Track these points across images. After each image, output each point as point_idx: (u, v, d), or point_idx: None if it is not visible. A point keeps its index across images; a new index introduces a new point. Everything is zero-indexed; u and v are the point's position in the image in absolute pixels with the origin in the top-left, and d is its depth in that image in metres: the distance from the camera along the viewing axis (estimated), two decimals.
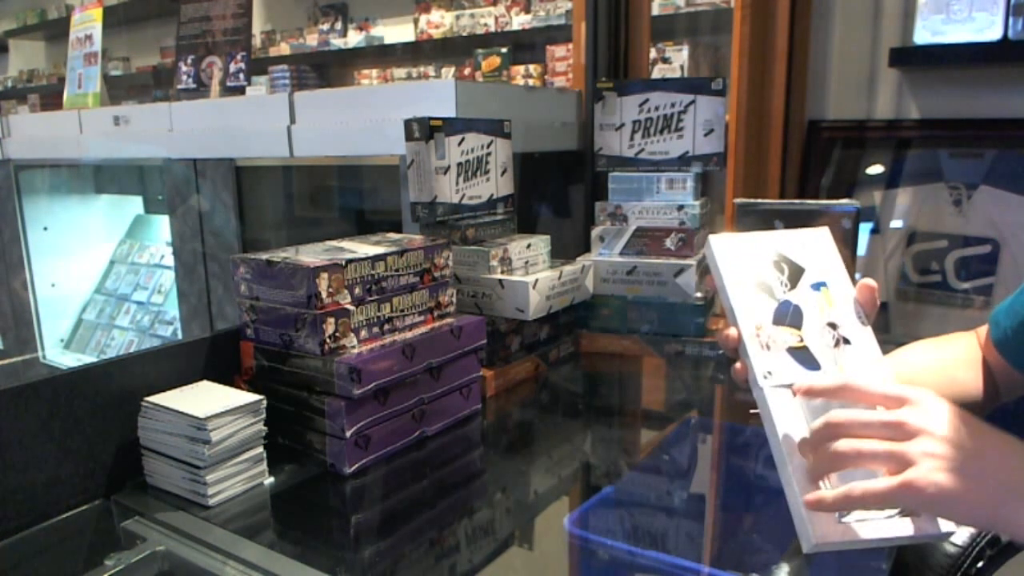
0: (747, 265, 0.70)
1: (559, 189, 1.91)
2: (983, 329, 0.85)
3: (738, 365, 0.69)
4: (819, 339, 0.67)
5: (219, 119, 1.91)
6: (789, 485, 0.60)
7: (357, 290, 0.97)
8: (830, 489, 0.58)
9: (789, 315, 0.68)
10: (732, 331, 0.68)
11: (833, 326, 0.68)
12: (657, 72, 2.64)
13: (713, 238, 0.71)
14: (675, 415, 1.24)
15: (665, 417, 1.24)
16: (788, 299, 0.69)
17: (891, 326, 1.74)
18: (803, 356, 0.66)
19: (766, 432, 0.64)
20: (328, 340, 0.93)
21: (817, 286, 0.71)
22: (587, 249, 1.50)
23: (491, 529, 0.85)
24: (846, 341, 0.67)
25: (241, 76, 2.17)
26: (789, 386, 0.64)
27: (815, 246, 0.74)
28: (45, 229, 2.71)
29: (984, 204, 1.65)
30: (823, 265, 0.72)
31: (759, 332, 0.67)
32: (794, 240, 0.73)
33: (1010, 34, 1.49)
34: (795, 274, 0.71)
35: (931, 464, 0.54)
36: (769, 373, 0.65)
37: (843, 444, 0.57)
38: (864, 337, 0.68)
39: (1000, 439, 0.56)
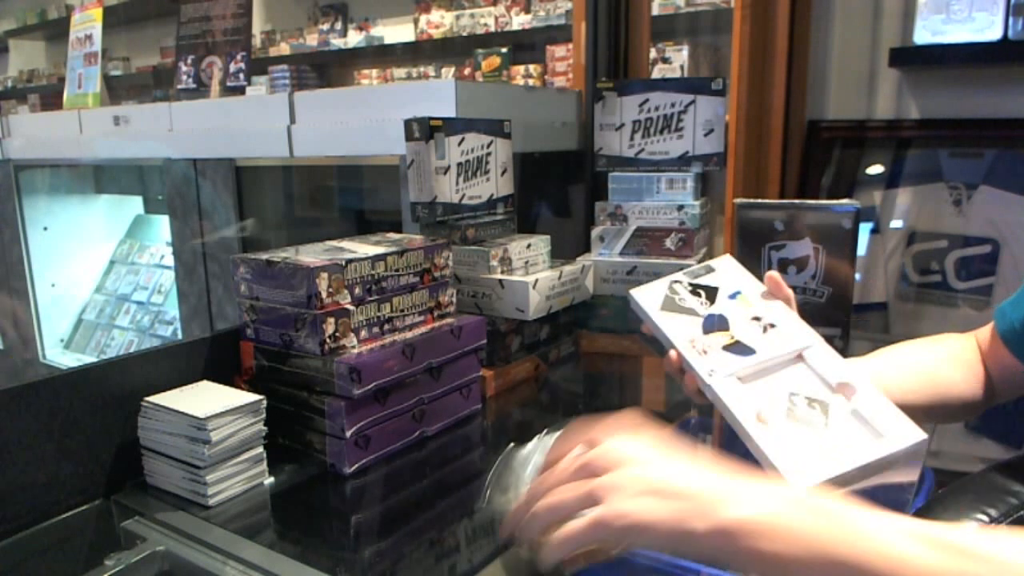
0: (668, 301, 0.83)
1: (559, 189, 1.91)
2: (984, 330, 0.85)
3: (686, 379, 0.77)
4: (748, 332, 0.77)
5: (219, 119, 1.91)
6: (763, 459, 0.69)
7: (357, 290, 0.97)
8: None
9: (715, 323, 0.79)
10: (672, 353, 0.77)
11: (757, 319, 0.78)
12: (657, 72, 2.64)
13: (632, 292, 0.85)
14: (675, 415, 1.24)
15: (665, 417, 1.24)
16: (711, 312, 0.80)
17: (891, 326, 1.74)
18: (738, 349, 0.75)
19: (728, 421, 0.72)
20: (328, 340, 0.93)
21: (733, 295, 0.82)
22: (587, 249, 1.50)
23: (491, 529, 0.85)
24: (772, 326, 0.77)
25: (241, 76, 2.17)
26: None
27: (723, 269, 0.87)
28: (45, 229, 2.71)
29: (984, 204, 1.65)
30: (733, 280, 0.85)
31: (694, 344, 0.77)
32: (702, 271, 0.86)
33: (1010, 34, 1.49)
34: (711, 294, 0.83)
35: (616, 497, 0.53)
36: (712, 371, 0.74)
37: (539, 505, 0.58)
38: (789, 318, 0.78)
39: (690, 460, 0.56)
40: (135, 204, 2.92)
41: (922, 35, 1.58)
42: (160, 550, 0.79)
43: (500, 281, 1.21)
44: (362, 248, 1.03)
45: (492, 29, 3.70)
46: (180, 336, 2.37)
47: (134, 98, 5.17)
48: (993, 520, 0.67)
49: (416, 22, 3.97)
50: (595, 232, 1.46)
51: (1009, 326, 0.79)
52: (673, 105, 1.44)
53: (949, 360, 0.83)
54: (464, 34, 3.79)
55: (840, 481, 0.64)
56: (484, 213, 1.31)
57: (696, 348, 0.76)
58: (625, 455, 0.56)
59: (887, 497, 0.62)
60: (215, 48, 2.24)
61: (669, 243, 1.41)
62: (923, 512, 0.70)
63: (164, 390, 0.92)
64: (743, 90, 1.70)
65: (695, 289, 0.84)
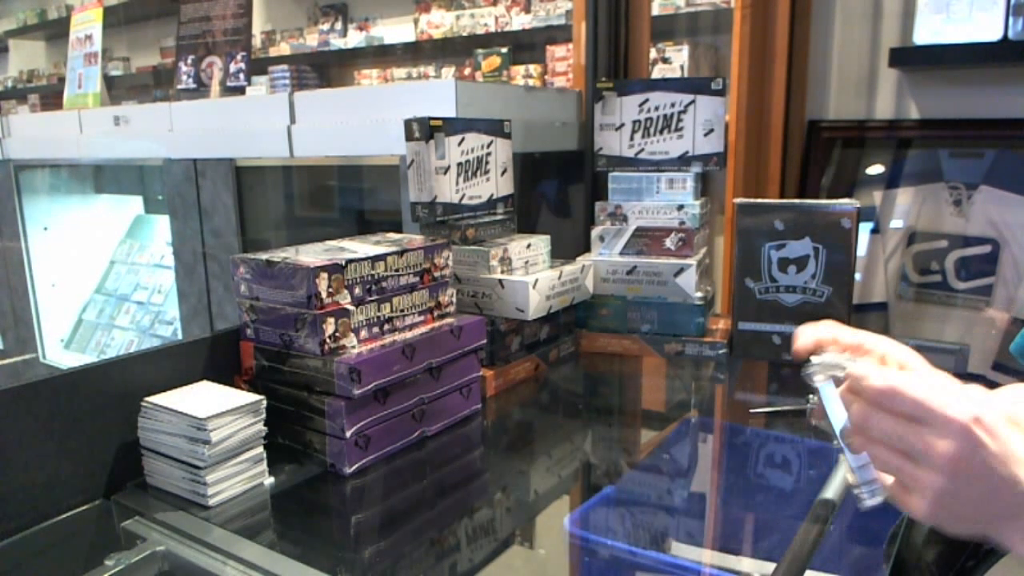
0: None
1: (559, 189, 1.91)
2: None
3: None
4: None
5: (219, 119, 1.91)
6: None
7: (357, 290, 0.97)
8: None
9: None
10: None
11: None
12: (657, 72, 2.64)
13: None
14: (675, 415, 1.24)
15: (665, 417, 1.24)
16: None
17: (891, 326, 1.74)
18: None
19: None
20: (328, 340, 0.93)
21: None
22: (587, 249, 1.50)
23: (491, 529, 0.85)
24: None
25: (241, 76, 2.17)
26: (841, 379, 0.62)
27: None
28: (45, 229, 2.71)
29: (984, 204, 1.65)
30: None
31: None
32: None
33: (1010, 34, 1.49)
34: None
35: (924, 493, 0.54)
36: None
37: (862, 441, 0.58)
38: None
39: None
40: (135, 204, 2.92)
41: (922, 35, 1.58)
42: (160, 550, 0.79)
43: (500, 281, 1.21)
44: (362, 248, 1.03)
45: (492, 29, 3.69)
46: (180, 336, 2.37)
47: (134, 98, 5.16)
48: None
49: (416, 22, 3.97)
50: (595, 232, 1.46)
51: (1020, 340, 0.79)
52: (673, 105, 1.44)
53: None
54: (464, 34, 3.79)
55: None
56: (484, 213, 1.31)
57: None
58: (957, 459, 0.53)
59: None
60: (215, 48, 2.24)
61: (669, 243, 1.41)
62: None
63: (164, 390, 0.92)
64: (743, 90, 1.70)
65: None
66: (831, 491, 0.60)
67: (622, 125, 1.47)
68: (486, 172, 1.30)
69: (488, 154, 1.30)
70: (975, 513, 0.53)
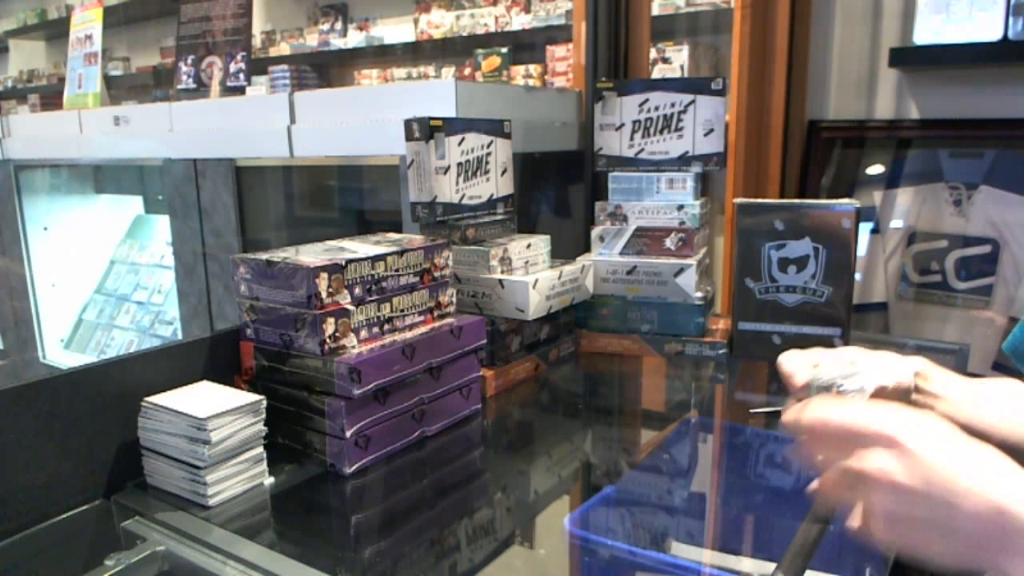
0: None
1: (559, 189, 1.91)
2: None
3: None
4: None
5: (219, 119, 1.91)
6: None
7: (357, 290, 0.97)
8: None
9: None
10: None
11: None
12: (657, 72, 2.64)
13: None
14: (675, 415, 1.24)
15: (665, 417, 1.24)
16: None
17: (891, 326, 1.74)
18: None
19: None
20: (328, 340, 0.93)
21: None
22: (587, 249, 1.50)
23: (491, 529, 0.85)
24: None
25: (241, 76, 2.17)
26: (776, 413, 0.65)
27: None
28: (45, 229, 2.71)
29: (984, 204, 1.65)
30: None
31: None
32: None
33: (1010, 34, 1.49)
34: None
35: (882, 519, 0.52)
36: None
37: (824, 482, 0.57)
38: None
39: (981, 484, 0.50)
40: (135, 204, 2.92)
41: (922, 35, 1.58)
42: (160, 550, 0.79)
43: (500, 281, 1.21)
44: (362, 248, 1.03)
45: (492, 29, 3.69)
46: (180, 336, 2.37)
47: (134, 98, 5.16)
48: None
49: (416, 22, 3.97)
50: (595, 232, 1.46)
51: (1014, 339, 0.79)
52: (673, 105, 1.44)
53: None
54: (464, 34, 3.79)
55: None
56: (484, 213, 1.31)
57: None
58: (909, 470, 0.52)
59: None
60: (215, 48, 2.24)
61: (669, 243, 1.41)
62: None
63: (164, 390, 0.92)
64: (743, 90, 1.70)
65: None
66: None
67: (622, 125, 1.47)
68: (486, 172, 1.30)
69: (488, 154, 1.30)
70: (942, 537, 0.50)
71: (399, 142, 1.22)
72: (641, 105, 1.45)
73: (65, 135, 2.36)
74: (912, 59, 1.64)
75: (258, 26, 4.63)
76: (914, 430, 0.52)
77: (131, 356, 0.94)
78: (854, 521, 0.55)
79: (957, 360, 1.32)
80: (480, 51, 3.75)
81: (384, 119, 1.51)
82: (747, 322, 1.35)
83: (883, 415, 0.54)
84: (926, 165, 1.73)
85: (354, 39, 4.21)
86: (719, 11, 2.76)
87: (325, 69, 4.50)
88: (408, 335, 1.03)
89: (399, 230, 1.38)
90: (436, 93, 1.46)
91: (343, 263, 0.95)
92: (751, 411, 1.20)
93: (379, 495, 0.91)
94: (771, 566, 0.59)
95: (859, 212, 1.27)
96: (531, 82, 3.55)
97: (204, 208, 1.99)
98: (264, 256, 0.98)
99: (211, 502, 0.85)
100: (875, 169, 1.80)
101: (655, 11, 2.74)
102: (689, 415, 1.22)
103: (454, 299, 1.13)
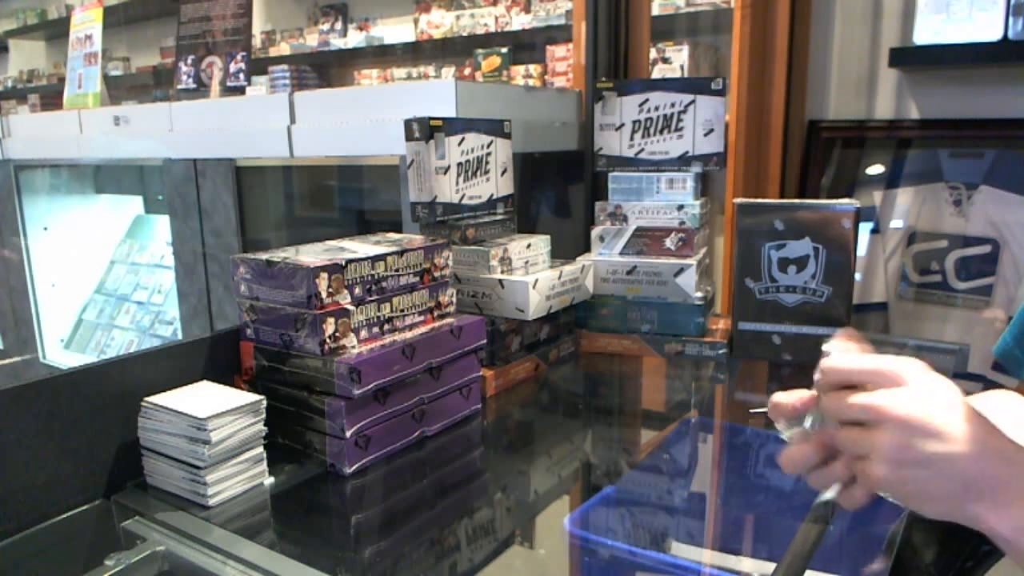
0: None
1: (559, 189, 1.91)
2: None
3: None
4: None
5: (219, 119, 1.91)
6: None
7: (357, 290, 0.97)
8: None
9: None
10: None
11: None
12: (657, 72, 2.64)
13: None
14: (675, 415, 1.24)
15: (665, 417, 1.24)
16: None
17: (891, 326, 1.74)
18: None
19: None
20: (328, 340, 0.93)
21: None
22: (587, 249, 1.50)
23: (491, 529, 0.85)
24: None
25: (241, 76, 2.17)
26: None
27: None
28: (45, 229, 2.71)
29: (984, 204, 1.65)
30: None
31: None
32: None
33: (1010, 34, 1.49)
34: None
35: (881, 458, 0.54)
36: None
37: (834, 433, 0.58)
38: None
39: (982, 432, 0.53)
40: (135, 204, 2.92)
41: (922, 35, 1.57)
42: (160, 550, 0.79)
43: (500, 281, 1.21)
44: (362, 248, 1.03)
45: (492, 29, 3.69)
46: (180, 336, 2.37)
47: (134, 98, 5.16)
48: None
49: (416, 22, 3.97)
50: (595, 232, 1.46)
51: (1003, 344, 0.79)
52: (673, 105, 1.44)
53: None
54: (464, 34, 3.79)
55: None
56: (484, 213, 1.31)
57: None
58: (912, 410, 0.54)
59: None
60: (215, 48, 2.24)
61: (669, 243, 1.41)
62: None
63: (164, 390, 0.92)
64: (743, 90, 1.70)
65: None
66: (831, 491, 0.60)
67: (622, 125, 1.47)
68: (486, 172, 1.30)
69: (488, 154, 1.30)
70: (938, 476, 0.52)
71: (399, 142, 1.22)
72: (641, 105, 1.45)
73: (65, 135, 2.36)
74: (912, 59, 1.64)
75: (258, 26, 4.63)
76: (926, 373, 0.56)
77: (131, 356, 0.94)
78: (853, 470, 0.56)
79: (957, 360, 1.32)
80: (480, 51, 3.75)
81: (384, 119, 1.51)
82: (747, 322, 1.35)
83: (895, 359, 0.56)
84: (926, 165, 1.73)
85: (354, 39, 4.21)
86: (719, 11, 2.76)
87: (325, 69, 4.50)
88: (408, 335, 1.03)
89: (399, 230, 1.38)
90: (436, 93, 1.46)
91: (343, 263, 0.95)
92: (751, 411, 1.20)
93: (379, 495, 0.91)
94: (771, 566, 0.59)
95: (859, 212, 1.27)
96: (531, 82, 3.55)
97: (204, 208, 1.99)
98: (264, 256, 0.98)
99: (211, 502, 0.85)
100: (875, 169, 1.80)
101: (655, 11, 2.74)
102: (689, 415, 1.22)
103: (454, 299, 1.13)
